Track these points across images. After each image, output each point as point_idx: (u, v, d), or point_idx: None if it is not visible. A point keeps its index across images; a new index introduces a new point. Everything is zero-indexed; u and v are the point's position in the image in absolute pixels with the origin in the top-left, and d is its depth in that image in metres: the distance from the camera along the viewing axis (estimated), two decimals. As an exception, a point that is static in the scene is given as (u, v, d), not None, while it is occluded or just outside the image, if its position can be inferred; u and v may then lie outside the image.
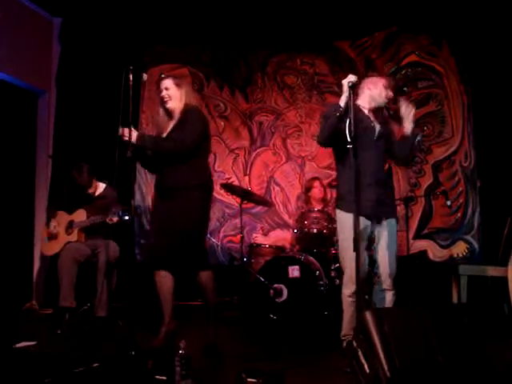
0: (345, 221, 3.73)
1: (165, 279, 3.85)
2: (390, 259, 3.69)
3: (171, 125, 3.88)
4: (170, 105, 3.87)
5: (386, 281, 3.69)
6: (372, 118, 3.75)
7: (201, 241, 3.94)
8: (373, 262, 3.82)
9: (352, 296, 3.63)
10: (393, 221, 3.77)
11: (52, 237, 5.20)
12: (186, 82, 4.00)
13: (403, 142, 3.82)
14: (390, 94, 3.79)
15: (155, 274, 3.86)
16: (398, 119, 3.81)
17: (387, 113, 3.85)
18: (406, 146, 3.81)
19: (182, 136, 3.76)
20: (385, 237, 3.72)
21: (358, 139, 3.47)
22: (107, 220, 4.86)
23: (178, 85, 3.89)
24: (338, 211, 3.85)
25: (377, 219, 3.71)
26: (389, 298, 3.70)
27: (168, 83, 3.88)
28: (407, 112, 3.75)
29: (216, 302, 4.03)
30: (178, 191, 3.78)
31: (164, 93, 3.86)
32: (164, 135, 3.89)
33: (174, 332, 3.87)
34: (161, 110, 3.96)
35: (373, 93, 3.76)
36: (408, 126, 3.77)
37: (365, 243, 3.68)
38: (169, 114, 3.91)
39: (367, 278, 3.98)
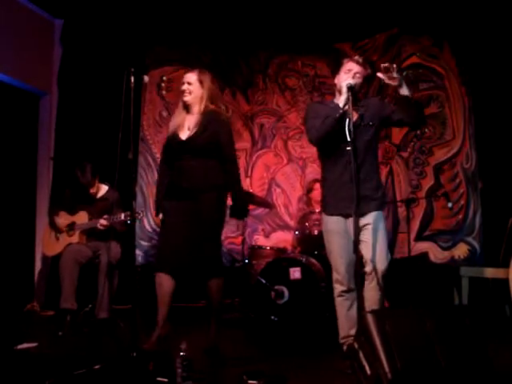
0: (326, 224, 3.73)
1: (164, 281, 3.81)
2: (377, 256, 3.51)
3: (191, 123, 3.86)
4: (188, 98, 3.86)
5: (373, 280, 3.51)
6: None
7: (217, 244, 3.94)
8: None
9: (341, 295, 3.61)
10: (376, 215, 3.59)
11: (60, 233, 5.19)
12: (209, 80, 3.94)
13: (403, 104, 3.55)
14: (352, 68, 3.59)
15: (156, 275, 3.83)
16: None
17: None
18: (408, 107, 3.53)
19: (230, 156, 3.86)
20: (368, 233, 3.55)
21: (331, 138, 3.50)
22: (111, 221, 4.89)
23: (201, 82, 3.87)
24: (322, 214, 3.83)
25: (356, 218, 3.36)
26: (375, 297, 3.52)
27: (191, 78, 3.87)
28: (390, 77, 3.46)
29: (220, 305, 4.01)
30: (197, 193, 3.76)
31: (185, 86, 3.85)
32: (183, 136, 3.85)
33: (167, 336, 3.85)
34: (180, 104, 3.96)
35: (338, 85, 3.62)
36: (400, 89, 3.50)
37: (348, 243, 3.55)
38: (186, 107, 3.92)
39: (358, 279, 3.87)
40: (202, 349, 3.81)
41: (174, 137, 3.88)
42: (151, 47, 6.73)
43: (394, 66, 3.46)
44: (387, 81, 3.49)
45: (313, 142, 3.71)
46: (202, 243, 3.76)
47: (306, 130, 3.81)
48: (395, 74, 3.45)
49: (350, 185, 3.43)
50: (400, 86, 3.49)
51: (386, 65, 3.44)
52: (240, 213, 3.88)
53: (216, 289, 3.91)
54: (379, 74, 3.48)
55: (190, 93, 3.85)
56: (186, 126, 3.87)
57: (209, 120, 3.82)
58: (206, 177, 3.78)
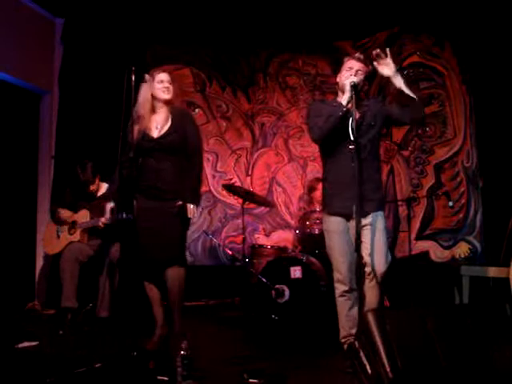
0: (327, 224, 3.71)
1: (151, 286, 3.90)
2: (376, 258, 3.49)
3: (159, 121, 3.85)
4: (169, 96, 3.87)
5: (372, 280, 3.50)
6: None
7: (181, 236, 3.88)
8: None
9: (343, 295, 3.60)
10: (376, 216, 3.57)
11: (61, 232, 5.19)
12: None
13: (403, 101, 3.52)
14: (353, 66, 3.58)
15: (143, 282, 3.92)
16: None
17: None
18: (407, 104, 3.51)
19: (195, 147, 3.87)
20: (367, 234, 3.52)
21: (334, 137, 3.51)
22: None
23: (172, 82, 3.93)
24: (323, 214, 3.82)
25: (358, 217, 3.31)
26: (374, 297, 3.52)
27: (167, 78, 3.88)
28: (384, 66, 3.48)
29: (181, 300, 3.87)
30: (172, 194, 3.77)
31: (167, 85, 3.85)
32: (154, 134, 3.84)
33: (168, 336, 3.88)
34: (146, 103, 3.88)
35: (340, 84, 3.63)
36: (396, 81, 3.50)
37: (349, 243, 3.55)
38: (154, 104, 3.89)
39: (359, 278, 3.86)
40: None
41: (144, 135, 3.84)
42: (152, 46, 6.73)
43: (387, 50, 3.46)
44: (380, 70, 3.49)
45: (315, 140, 3.70)
46: (168, 239, 3.77)
47: (308, 129, 3.79)
48: (388, 60, 3.45)
49: (351, 185, 3.43)
50: (394, 75, 3.48)
51: (378, 51, 3.44)
52: (190, 198, 3.78)
53: (175, 277, 3.81)
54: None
55: (171, 91, 3.87)
56: (154, 125, 3.87)
57: (177, 116, 3.87)
58: (179, 179, 3.80)
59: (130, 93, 3.61)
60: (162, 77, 3.87)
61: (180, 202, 3.74)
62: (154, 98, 3.87)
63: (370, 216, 3.56)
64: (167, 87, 3.86)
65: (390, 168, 6.29)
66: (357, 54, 3.72)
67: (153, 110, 3.90)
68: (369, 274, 3.52)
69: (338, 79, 3.69)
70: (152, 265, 3.82)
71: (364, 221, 3.50)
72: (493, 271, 4.96)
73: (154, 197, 3.80)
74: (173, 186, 3.78)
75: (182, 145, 3.83)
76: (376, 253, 3.50)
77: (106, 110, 6.02)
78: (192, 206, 3.76)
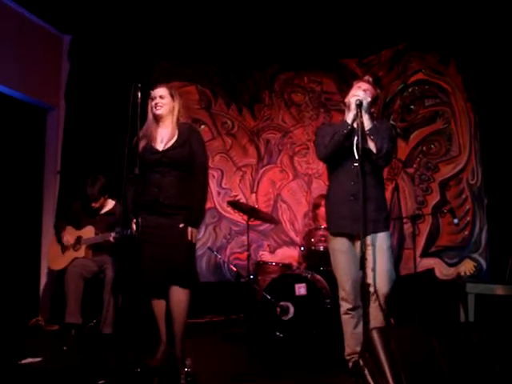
0: (331, 242, 3.71)
1: (157, 302, 3.89)
2: (378, 279, 3.46)
3: (165, 136, 3.85)
4: (160, 111, 3.85)
5: (375, 300, 3.48)
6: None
7: (190, 257, 3.84)
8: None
9: (347, 313, 3.59)
10: (379, 236, 3.54)
11: (66, 249, 5.20)
12: (178, 94, 4.01)
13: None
14: (361, 85, 3.62)
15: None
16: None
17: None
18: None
19: (201, 165, 3.85)
20: (371, 254, 3.49)
21: (339, 155, 3.52)
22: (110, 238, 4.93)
23: (171, 95, 3.92)
24: (328, 231, 3.83)
25: (363, 236, 3.25)
26: (378, 317, 3.49)
27: (163, 92, 3.89)
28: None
29: (183, 323, 3.79)
30: (177, 209, 3.76)
31: (158, 100, 3.85)
32: (160, 146, 3.82)
33: (171, 352, 3.85)
34: (150, 117, 3.91)
35: (347, 103, 3.62)
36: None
37: (354, 261, 3.55)
38: (157, 121, 3.90)
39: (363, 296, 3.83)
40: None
41: (150, 148, 3.83)
42: (158, 63, 6.78)
43: None
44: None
45: (321, 158, 3.71)
46: (175, 257, 3.74)
47: (315, 148, 3.79)
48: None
49: (351, 203, 3.45)
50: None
51: None
52: (192, 221, 3.79)
53: (177, 298, 3.77)
54: None
55: (162, 106, 3.86)
56: (159, 139, 3.86)
57: (184, 132, 3.86)
58: (183, 194, 3.78)
59: (136, 110, 3.63)
60: (154, 93, 3.89)
61: (182, 225, 3.73)
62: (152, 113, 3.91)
63: (372, 237, 3.52)
64: (157, 103, 3.85)
65: (395, 185, 6.29)
66: (366, 77, 3.75)
67: (157, 124, 3.91)
68: (372, 295, 3.48)
69: (346, 99, 3.68)
70: (156, 283, 3.80)
71: (367, 241, 3.47)
72: (498, 289, 4.93)
73: (157, 212, 3.76)
74: (176, 200, 3.75)
75: (187, 160, 3.81)
76: (378, 274, 3.47)
77: (112, 126, 6.05)
78: (193, 229, 3.75)
